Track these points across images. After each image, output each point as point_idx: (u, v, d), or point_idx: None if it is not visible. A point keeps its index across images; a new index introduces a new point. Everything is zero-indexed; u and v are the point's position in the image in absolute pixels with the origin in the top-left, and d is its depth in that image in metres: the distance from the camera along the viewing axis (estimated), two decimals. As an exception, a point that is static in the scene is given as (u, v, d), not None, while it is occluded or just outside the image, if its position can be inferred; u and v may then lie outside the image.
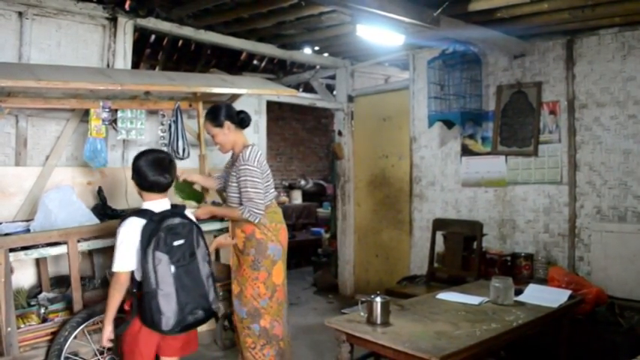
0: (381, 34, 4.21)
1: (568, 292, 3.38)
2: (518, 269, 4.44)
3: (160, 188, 2.70)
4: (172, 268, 2.54)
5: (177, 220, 2.63)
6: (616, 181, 4.30)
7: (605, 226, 4.19)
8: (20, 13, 4.04)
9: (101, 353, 3.35)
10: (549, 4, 3.87)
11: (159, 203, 2.69)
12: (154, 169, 2.68)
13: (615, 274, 4.02)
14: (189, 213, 2.81)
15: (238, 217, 3.41)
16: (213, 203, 4.08)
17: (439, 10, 3.79)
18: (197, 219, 2.99)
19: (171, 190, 3.02)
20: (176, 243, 2.58)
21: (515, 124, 4.85)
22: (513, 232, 4.89)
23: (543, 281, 4.08)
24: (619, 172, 4.28)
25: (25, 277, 3.77)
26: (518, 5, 3.91)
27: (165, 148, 4.21)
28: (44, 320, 3.31)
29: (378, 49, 5.65)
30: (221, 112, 3.47)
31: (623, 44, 4.26)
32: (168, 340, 2.65)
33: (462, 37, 4.51)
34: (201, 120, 4.41)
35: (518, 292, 3.34)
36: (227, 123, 3.46)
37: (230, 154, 3.63)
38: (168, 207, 2.71)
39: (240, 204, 3.42)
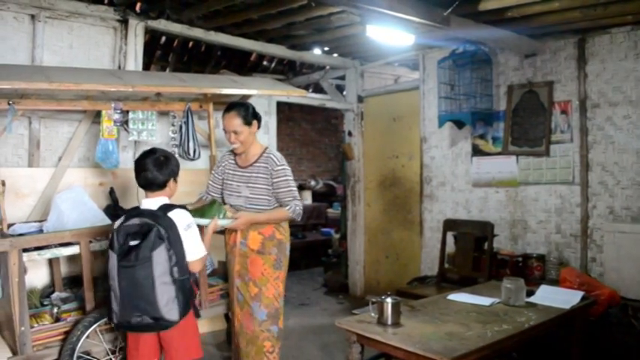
0: (390, 35, 4.20)
1: (580, 294, 3.35)
2: (530, 270, 4.41)
3: (147, 187, 2.81)
4: (117, 268, 2.62)
5: (136, 221, 2.67)
6: (629, 181, 4.26)
7: (618, 227, 4.15)
8: (33, 16, 4.08)
9: (113, 352, 3.37)
10: (560, 2, 3.85)
11: (150, 201, 2.79)
12: (136, 169, 2.83)
13: (628, 276, 3.98)
14: (176, 214, 2.73)
15: (284, 218, 3.34)
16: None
17: (449, 10, 3.77)
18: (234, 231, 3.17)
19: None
20: (132, 243, 2.63)
21: (526, 123, 4.83)
22: (525, 233, 4.86)
23: (555, 282, 4.05)
24: (632, 172, 4.25)
25: (38, 277, 3.81)
26: (529, 4, 3.88)
27: (176, 149, 4.24)
28: (57, 320, 3.35)
29: (388, 50, 5.64)
30: (251, 111, 3.36)
31: (636, 43, 4.23)
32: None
33: (473, 36, 4.50)
34: (212, 121, 4.43)
35: (530, 294, 3.32)
36: (254, 122, 3.37)
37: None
38: (157, 206, 2.75)
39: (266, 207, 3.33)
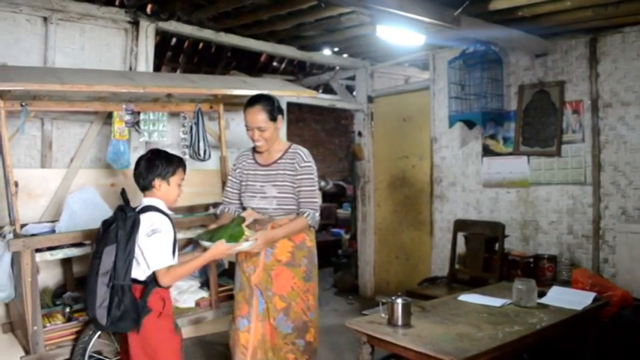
0: (400, 35, 4.19)
1: (592, 295, 3.32)
2: (541, 271, 4.39)
3: (138, 187, 2.75)
4: None
5: (112, 216, 2.64)
6: (641, 182, 4.23)
7: (631, 228, 4.11)
8: (45, 18, 4.12)
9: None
10: (572, 1, 3.82)
11: (142, 202, 2.72)
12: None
13: (641, 276, 3.95)
14: (145, 217, 2.58)
15: (304, 229, 3.01)
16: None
17: (459, 10, 3.76)
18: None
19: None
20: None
21: (537, 124, 4.80)
22: (536, 234, 4.84)
23: (567, 283, 4.02)
24: (645, 173, 4.21)
25: (50, 276, 3.84)
26: (539, 3, 3.86)
27: (186, 150, 4.26)
28: (69, 319, 3.37)
29: (398, 50, 5.63)
30: (277, 105, 3.02)
31: (649, 42, 4.20)
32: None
33: (483, 36, 4.48)
34: (222, 122, 4.44)
35: (542, 295, 3.30)
36: (279, 117, 3.03)
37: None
38: (141, 207, 2.68)
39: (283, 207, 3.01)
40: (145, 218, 2.56)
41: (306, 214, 2.97)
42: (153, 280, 2.58)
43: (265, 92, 3.05)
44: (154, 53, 4.69)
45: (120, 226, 2.53)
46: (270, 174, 3.03)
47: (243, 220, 2.86)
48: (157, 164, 2.66)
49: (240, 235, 2.75)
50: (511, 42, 4.62)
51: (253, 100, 3.00)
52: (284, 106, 5.63)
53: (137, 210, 2.63)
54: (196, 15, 4.70)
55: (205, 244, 2.73)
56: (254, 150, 3.13)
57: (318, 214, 3.01)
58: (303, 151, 3.05)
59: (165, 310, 2.62)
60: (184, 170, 2.78)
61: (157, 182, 2.66)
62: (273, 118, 2.98)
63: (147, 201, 2.67)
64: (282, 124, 3.08)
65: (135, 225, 2.54)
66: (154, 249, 2.54)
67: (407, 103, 6.18)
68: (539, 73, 4.83)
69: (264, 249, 2.91)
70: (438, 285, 4.78)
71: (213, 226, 2.96)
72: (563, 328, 3.03)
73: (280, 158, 3.04)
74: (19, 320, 3.30)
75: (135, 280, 2.57)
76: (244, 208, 3.10)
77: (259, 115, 2.94)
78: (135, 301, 2.53)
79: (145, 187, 2.69)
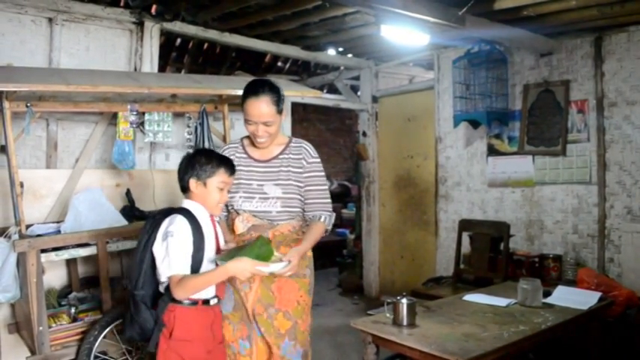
0: (405, 35, 4.18)
1: (598, 294, 3.31)
2: (547, 271, 4.38)
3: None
4: None
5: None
6: (647, 181, 4.21)
7: (636, 227, 4.10)
8: (50, 19, 4.13)
9: (129, 352, 3.40)
10: (577, 1, 3.81)
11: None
12: None
13: (647, 276, 3.94)
14: (167, 220, 2.31)
15: (321, 235, 2.62)
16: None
17: (464, 9, 3.75)
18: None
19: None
20: None
21: (542, 123, 4.78)
22: (541, 233, 4.82)
23: (572, 283, 4.01)
24: (650, 172, 4.20)
25: (55, 277, 3.85)
26: (545, 3, 3.85)
27: (191, 151, 4.26)
28: (74, 320, 3.39)
29: (403, 50, 5.63)
30: (283, 95, 2.59)
31: (654, 41, 4.18)
32: None
33: (488, 36, 4.47)
34: (227, 122, 4.45)
35: (547, 294, 3.29)
36: (284, 110, 2.62)
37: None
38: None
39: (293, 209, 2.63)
40: (165, 222, 2.30)
41: (322, 219, 2.60)
42: (168, 293, 2.27)
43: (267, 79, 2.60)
44: (158, 54, 4.70)
45: (146, 233, 2.34)
46: (270, 171, 2.61)
47: (269, 240, 2.41)
48: (193, 163, 2.38)
49: (269, 255, 2.29)
50: (516, 41, 4.61)
51: (257, 89, 2.52)
52: (288, 106, 5.69)
53: (162, 212, 2.39)
54: (201, 15, 4.71)
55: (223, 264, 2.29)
56: (245, 143, 2.72)
57: (332, 216, 2.66)
58: (309, 146, 2.69)
59: (177, 332, 2.25)
60: (229, 172, 2.42)
61: (192, 183, 2.37)
62: (280, 111, 2.56)
63: (184, 204, 2.41)
64: (285, 117, 2.69)
65: (154, 228, 2.32)
66: (165, 255, 2.24)
67: (411, 103, 6.18)
68: (544, 72, 4.82)
69: (296, 271, 2.41)
70: (443, 285, 4.77)
71: (230, 246, 2.49)
72: (569, 327, 3.02)
73: (282, 153, 2.63)
74: (24, 321, 3.31)
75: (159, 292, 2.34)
76: (237, 212, 2.64)
77: (265, 108, 2.49)
78: (151, 316, 2.30)
79: (183, 189, 2.43)
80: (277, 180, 2.58)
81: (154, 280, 2.33)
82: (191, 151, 2.56)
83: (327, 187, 2.68)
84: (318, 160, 2.67)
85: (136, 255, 2.34)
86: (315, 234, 2.55)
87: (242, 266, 2.20)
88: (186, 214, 2.31)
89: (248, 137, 2.68)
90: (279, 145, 2.65)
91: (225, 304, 2.55)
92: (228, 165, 2.43)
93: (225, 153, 2.66)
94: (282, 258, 2.32)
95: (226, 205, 2.63)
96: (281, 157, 2.63)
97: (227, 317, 2.56)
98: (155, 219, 2.35)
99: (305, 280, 2.62)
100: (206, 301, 2.34)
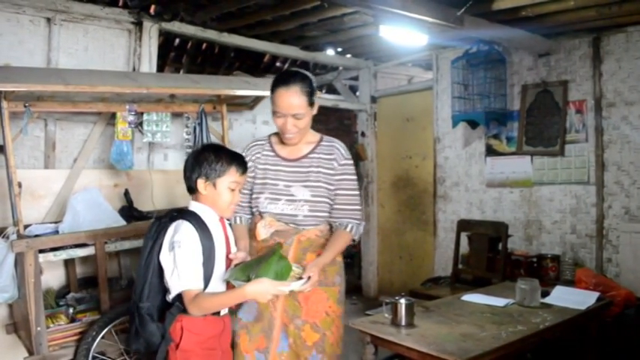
0: (404, 35, 4.19)
1: (596, 295, 3.31)
2: (545, 271, 4.38)
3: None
4: None
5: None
6: (645, 181, 4.22)
7: (634, 227, 4.11)
8: (49, 19, 4.13)
9: (128, 353, 3.39)
10: (575, 1, 3.81)
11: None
12: None
13: (645, 276, 3.94)
14: (171, 227, 2.10)
15: (347, 243, 2.43)
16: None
17: (463, 10, 3.76)
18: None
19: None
20: None
21: (540, 123, 4.79)
22: (539, 233, 4.83)
23: (570, 283, 4.01)
24: (648, 172, 4.20)
25: (53, 277, 3.84)
26: (543, 3, 3.86)
27: (189, 151, 4.26)
28: (72, 320, 3.38)
29: (401, 50, 5.63)
30: (315, 86, 2.39)
31: (652, 41, 4.19)
32: None
33: (486, 36, 4.47)
34: (226, 122, 4.44)
35: (545, 294, 3.29)
36: (316, 101, 2.40)
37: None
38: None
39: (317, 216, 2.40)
40: (171, 228, 2.08)
41: (349, 228, 2.39)
42: (177, 305, 2.09)
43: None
44: (157, 54, 4.69)
45: (150, 240, 2.13)
46: (299, 171, 2.40)
47: (281, 245, 2.21)
48: (201, 161, 2.13)
49: (288, 271, 2.06)
50: (514, 42, 4.61)
51: (287, 79, 2.32)
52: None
53: (168, 216, 2.16)
54: (199, 15, 4.70)
55: (242, 284, 2.02)
56: (273, 140, 2.52)
57: (362, 226, 2.45)
58: (342, 146, 2.49)
59: (184, 343, 2.10)
60: (241, 170, 2.18)
61: (200, 184, 2.13)
62: (312, 104, 2.36)
63: (192, 206, 2.18)
64: (316, 110, 2.43)
65: (159, 233, 2.11)
66: (174, 268, 2.02)
67: (410, 103, 6.18)
68: (542, 72, 4.82)
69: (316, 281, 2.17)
70: (442, 285, 4.77)
71: (240, 255, 2.20)
72: (567, 327, 3.02)
73: (312, 152, 2.44)
74: (22, 321, 3.31)
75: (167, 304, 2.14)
76: (261, 214, 2.43)
77: (297, 99, 2.29)
78: (157, 329, 2.11)
79: (190, 189, 2.19)
80: (306, 181, 2.38)
81: (161, 291, 2.12)
82: (198, 147, 2.29)
83: (358, 192, 2.47)
84: (351, 162, 2.48)
85: (141, 263, 2.14)
86: (339, 244, 2.36)
87: (262, 289, 1.98)
88: (194, 218, 2.10)
89: (276, 134, 2.49)
90: (309, 144, 2.46)
91: (246, 312, 2.41)
92: (240, 162, 2.19)
93: (251, 150, 2.50)
94: (302, 273, 2.12)
95: (250, 207, 2.46)
96: (311, 156, 2.43)
97: (246, 326, 2.41)
98: (160, 222, 2.14)
99: (334, 289, 2.41)
100: (215, 312, 2.15)
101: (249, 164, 2.37)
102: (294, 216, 2.36)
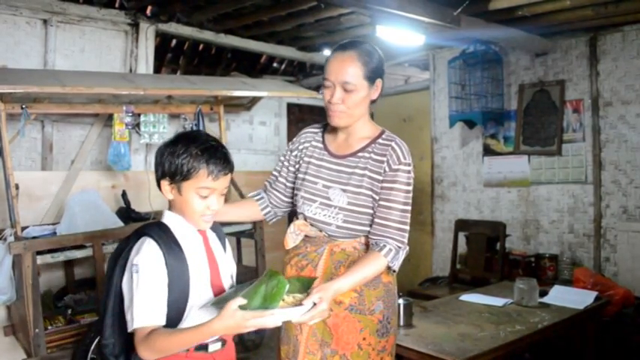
0: (400, 35, 4.19)
1: (594, 294, 3.32)
2: (543, 270, 4.39)
3: None
4: None
5: None
6: (642, 180, 4.23)
7: (632, 226, 4.12)
8: (45, 21, 4.12)
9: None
10: (572, 1, 3.82)
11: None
12: None
13: (643, 275, 3.95)
14: (136, 247, 1.59)
15: (381, 272, 1.89)
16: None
17: (459, 10, 3.76)
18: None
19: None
20: None
21: (537, 123, 4.80)
22: (537, 233, 4.83)
23: (568, 282, 4.02)
24: (645, 171, 4.21)
25: (51, 279, 3.84)
26: (539, 3, 3.86)
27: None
28: (70, 322, 3.37)
29: (398, 50, 5.62)
30: (379, 62, 1.95)
31: (649, 41, 4.20)
32: None
33: (483, 36, 4.48)
34: (223, 123, 4.43)
35: (543, 294, 3.30)
36: (379, 82, 1.96)
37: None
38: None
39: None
40: (135, 246, 1.58)
41: (385, 251, 1.85)
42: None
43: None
44: (154, 55, 4.69)
45: (113, 263, 1.65)
46: (342, 171, 1.94)
47: (284, 281, 1.50)
48: (165, 156, 1.63)
49: (280, 290, 1.48)
50: (511, 41, 4.62)
51: (348, 44, 1.92)
52: (283, 108, 5.68)
53: (134, 232, 1.65)
54: (196, 16, 4.70)
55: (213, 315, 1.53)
56: (327, 129, 2.08)
57: (404, 252, 1.91)
58: (400, 146, 1.94)
59: None
60: (214, 174, 1.60)
61: (164, 185, 1.64)
62: (370, 79, 1.90)
63: (165, 216, 1.68)
64: (378, 94, 1.98)
65: (120, 254, 1.63)
66: (130, 297, 1.52)
67: (407, 104, 6.18)
68: (539, 72, 4.83)
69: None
70: (440, 285, 4.78)
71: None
72: (565, 327, 3.03)
73: (363, 149, 1.95)
74: (20, 323, 3.30)
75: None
76: (294, 214, 2.05)
77: (350, 66, 1.85)
78: None
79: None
80: (347, 185, 1.90)
81: (125, 325, 1.55)
82: (171, 137, 1.73)
83: (407, 208, 1.90)
84: (408, 168, 1.91)
85: (104, 289, 1.65)
86: (368, 270, 1.81)
87: (233, 323, 1.43)
88: (162, 233, 1.59)
89: None
90: (363, 139, 1.97)
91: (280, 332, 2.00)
92: (216, 162, 1.61)
93: (302, 137, 2.10)
94: (304, 299, 1.58)
95: (293, 204, 2.07)
96: (360, 154, 1.93)
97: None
98: (128, 239, 1.64)
99: (372, 318, 1.88)
100: (201, 347, 1.60)
101: (295, 152, 2.07)
102: (327, 224, 1.91)
